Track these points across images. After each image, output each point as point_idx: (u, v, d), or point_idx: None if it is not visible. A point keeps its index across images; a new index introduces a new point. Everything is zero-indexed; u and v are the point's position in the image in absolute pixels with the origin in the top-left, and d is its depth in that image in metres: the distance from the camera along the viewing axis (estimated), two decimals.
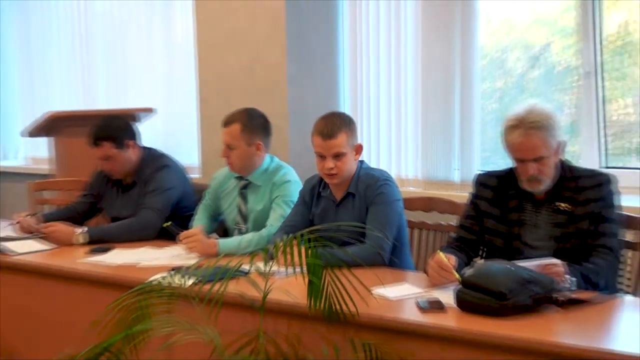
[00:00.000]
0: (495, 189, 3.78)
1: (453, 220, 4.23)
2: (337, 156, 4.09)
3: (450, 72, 5.50)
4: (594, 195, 3.58)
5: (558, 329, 3.05)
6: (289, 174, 4.66)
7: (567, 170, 3.67)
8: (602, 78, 5.19)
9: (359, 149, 4.22)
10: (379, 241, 4.00)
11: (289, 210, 4.43)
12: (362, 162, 4.28)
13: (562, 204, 3.62)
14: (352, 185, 4.19)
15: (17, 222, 4.96)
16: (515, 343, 2.96)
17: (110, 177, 5.07)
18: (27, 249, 4.58)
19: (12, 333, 4.43)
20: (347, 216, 4.15)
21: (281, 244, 3.20)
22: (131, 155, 4.93)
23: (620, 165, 5.18)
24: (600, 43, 5.17)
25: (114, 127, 4.94)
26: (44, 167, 6.95)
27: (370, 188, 4.15)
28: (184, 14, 6.57)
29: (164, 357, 3.48)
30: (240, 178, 4.70)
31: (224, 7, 5.93)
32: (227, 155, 4.60)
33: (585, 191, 3.60)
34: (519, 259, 3.42)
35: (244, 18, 5.80)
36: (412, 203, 4.51)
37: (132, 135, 4.98)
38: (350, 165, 4.16)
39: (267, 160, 4.68)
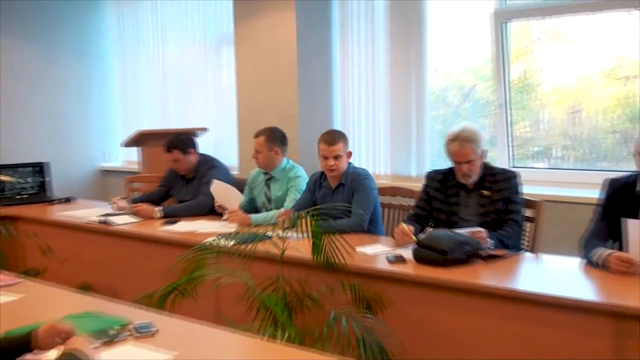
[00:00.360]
0: (440, 181, 3.79)
1: (411, 202, 4.21)
2: (336, 157, 4.14)
3: (409, 103, 5.47)
4: (506, 186, 3.61)
5: (482, 275, 3.06)
6: (299, 171, 4.66)
7: (487, 168, 3.70)
8: (510, 108, 5.20)
9: (349, 155, 4.25)
10: (361, 217, 4.03)
11: (299, 196, 4.43)
12: (350, 163, 4.29)
13: (485, 192, 3.64)
14: (343, 179, 4.21)
15: (114, 203, 4.96)
16: (454, 285, 2.99)
17: (178, 173, 5.06)
18: (123, 221, 4.57)
19: (114, 279, 4.42)
20: (339, 199, 4.17)
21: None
22: (192, 158, 4.96)
23: (522, 165, 5.16)
24: (508, 85, 5.17)
25: (180, 140, 4.97)
26: (134, 167, 6.91)
27: (355, 181, 4.17)
28: (229, 63, 6.51)
29: (213, 294, 3.47)
30: (265, 173, 4.67)
31: (255, 59, 5.90)
32: (256, 157, 4.65)
33: (499, 183, 3.63)
34: (455, 228, 3.46)
35: (269, 66, 5.78)
36: (384, 190, 4.49)
37: (192, 145, 5.00)
38: (344, 165, 4.20)
39: (284, 161, 4.67)
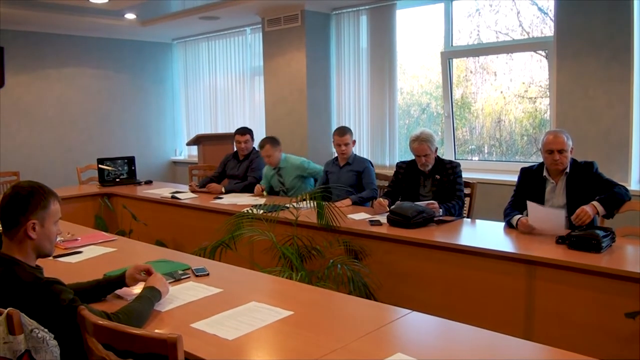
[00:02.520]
0: (405, 169, 3.71)
1: (386, 183, 4.15)
2: (346, 144, 4.09)
3: (384, 115, 5.40)
4: (452, 172, 3.54)
5: (435, 234, 2.98)
6: (290, 157, 4.50)
7: (439, 160, 3.62)
8: (454, 119, 5.15)
9: (354, 143, 4.18)
10: (375, 190, 4.05)
11: (305, 163, 4.44)
12: (355, 155, 4.20)
13: (438, 176, 3.56)
14: (350, 160, 4.14)
15: (190, 186, 4.85)
16: (415, 240, 2.95)
17: (231, 156, 4.91)
18: (186, 197, 4.49)
19: (179, 237, 4.36)
20: (345, 174, 4.11)
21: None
22: (251, 145, 4.81)
23: (462, 158, 5.13)
24: (453, 103, 5.12)
25: (252, 132, 4.86)
26: (194, 159, 6.87)
27: (360, 164, 4.13)
28: (260, 87, 6.47)
29: (248, 247, 3.42)
30: (274, 168, 4.49)
31: (277, 85, 5.83)
32: (269, 161, 4.45)
33: (448, 170, 3.56)
34: (417, 202, 3.38)
35: (287, 90, 5.72)
36: None
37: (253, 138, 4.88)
38: (351, 150, 4.14)
39: (283, 155, 4.48)
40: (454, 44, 5.06)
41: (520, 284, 2.51)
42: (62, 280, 1.75)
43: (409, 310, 1.84)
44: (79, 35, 6.71)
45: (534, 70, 4.81)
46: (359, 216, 3.45)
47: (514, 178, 3.37)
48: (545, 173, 3.14)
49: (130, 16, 6.14)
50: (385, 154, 5.45)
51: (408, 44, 5.51)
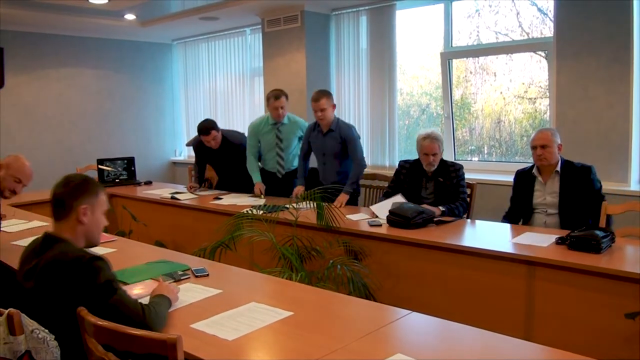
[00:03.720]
0: (408, 169, 3.63)
1: (386, 184, 4.13)
2: (323, 110, 3.86)
3: (384, 116, 5.40)
4: (455, 175, 3.50)
5: (434, 234, 2.98)
6: (295, 117, 4.44)
7: (442, 162, 3.56)
8: (453, 120, 5.15)
9: (333, 107, 3.94)
10: (361, 160, 3.96)
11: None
12: (338, 120, 4.01)
13: (440, 178, 3.52)
14: (333, 126, 3.95)
15: (190, 187, 4.77)
16: (414, 241, 2.95)
17: (204, 148, 4.63)
18: (185, 197, 4.49)
19: (179, 237, 4.38)
20: (329, 141, 3.97)
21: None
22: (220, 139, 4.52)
23: (462, 159, 5.13)
24: (452, 103, 5.11)
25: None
26: (194, 160, 6.84)
27: (344, 130, 3.94)
28: (259, 88, 6.50)
29: (248, 248, 3.42)
30: (274, 123, 4.30)
31: (277, 86, 5.69)
32: (283, 112, 4.25)
33: (451, 173, 3.51)
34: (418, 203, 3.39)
35: (286, 90, 5.60)
36: (366, 176, 4.39)
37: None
38: (330, 115, 3.90)
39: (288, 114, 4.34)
40: (453, 45, 5.06)
41: (520, 285, 2.51)
42: (108, 261, 1.76)
43: (409, 311, 1.84)
44: (78, 35, 6.71)
45: (534, 70, 4.81)
46: (358, 217, 3.45)
47: (510, 178, 3.39)
48: (534, 171, 3.19)
49: (129, 17, 6.14)
50: (385, 154, 5.45)
51: (408, 44, 5.51)
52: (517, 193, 3.28)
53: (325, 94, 3.92)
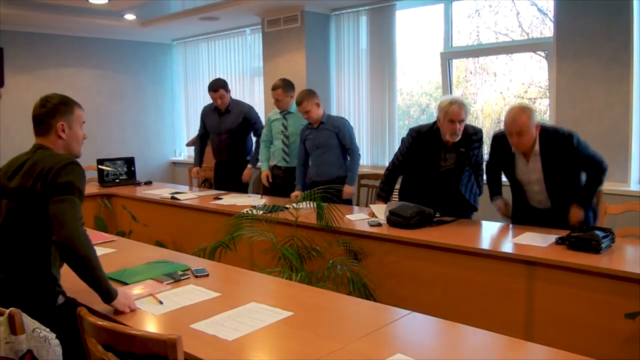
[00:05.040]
0: (422, 139, 3.32)
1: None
2: (306, 112, 3.97)
3: (384, 116, 5.40)
4: (478, 143, 3.30)
5: (433, 234, 2.97)
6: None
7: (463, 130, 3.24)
8: None
9: (317, 106, 3.99)
10: (356, 151, 4.02)
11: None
12: (329, 114, 4.13)
13: (462, 149, 3.25)
14: (324, 119, 4.02)
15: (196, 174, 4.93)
16: (414, 241, 2.94)
17: (215, 109, 4.77)
18: (185, 197, 4.48)
19: (179, 238, 4.37)
20: (322, 133, 4.02)
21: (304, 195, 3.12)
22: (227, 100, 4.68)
23: None
24: None
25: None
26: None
27: (336, 120, 4.06)
28: (259, 89, 6.51)
29: (248, 248, 3.43)
30: (281, 112, 4.42)
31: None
32: (278, 104, 4.41)
33: (474, 142, 3.28)
34: (436, 175, 3.31)
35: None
36: (366, 176, 4.43)
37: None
38: (315, 113, 3.97)
39: (293, 103, 4.34)
40: (453, 45, 5.06)
41: (520, 285, 2.51)
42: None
43: (409, 311, 1.84)
44: (78, 35, 6.72)
45: (534, 71, 4.81)
46: (357, 217, 3.45)
47: None
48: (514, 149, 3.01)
49: (129, 17, 6.14)
50: (385, 154, 5.45)
51: (408, 44, 5.52)
52: (494, 161, 3.14)
53: (305, 96, 3.98)
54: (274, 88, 4.36)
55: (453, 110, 3.12)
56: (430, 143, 3.29)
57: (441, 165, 3.30)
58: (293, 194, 4.08)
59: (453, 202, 3.37)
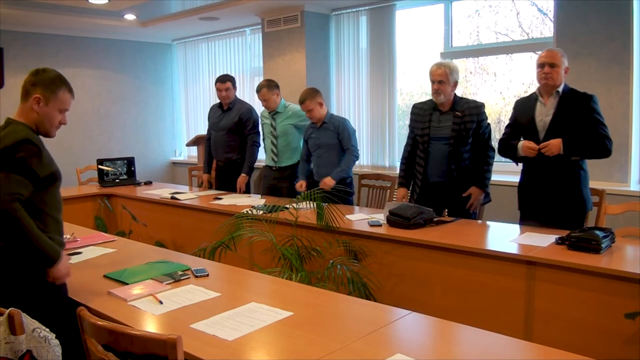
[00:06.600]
0: (420, 109, 3.49)
1: (388, 184, 4.19)
2: (309, 111, 3.99)
3: (384, 116, 5.41)
4: (476, 111, 3.34)
5: (434, 234, 2.96)
6: (293, 105, 4.42)
7: (458, 97, 3.40)
8: None
9: (320, 105, 4.01)
10: (353, 149, 4.01)
11: (304, 115, 4.14)
12: (332, 114, 4.14)
13: (458, 112, 3.32)
14: (326, 119, 4.04)
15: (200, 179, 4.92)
16: (414, 241, 2.93)
17: (219, 106, 4.76)
18: (185, 197, 4.48)
19: (179, 238, 4.37)
20: (324, 132, 4.04)
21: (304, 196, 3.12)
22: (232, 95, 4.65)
23: None
24: None
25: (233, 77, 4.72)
26: (194, 160, 6.92)
27: (336, 122, 4.04)
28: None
29: (248, 248, 3.42)
30: (271, 112, 4.43)
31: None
32: (266, 105, 4.41)
33: (471, 108, 3.34)
34: (431, 144, 3.37)
35: (286, 91, 5.68)
36: (367, 176, 4.42)
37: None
38: (318, 112, 4.01)
39: (282, 102, 4.43)
40: (453, 45, 5.07)
41: (520, 285, 2.51)
42: (39, 153, 1.91)
43: (409, 311, 1.84)
44: (78, 36, 6.72)
45: (534, 71, 4.81)
46: (357, 216, 3.45)
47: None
48: (536, 92, 3.07)
49: (130, 17, 6.14)
50: (384, 154, 5.45)
51: (408, 44, 5.51)
52: (516, 117, 3.17)
53: (308, 95, 4.01)
54: (258, 90, 4.37)
55: (431, 70, 3.33)
56: (426, 110, 3.46)
57: (436, 128, 3.39)
58: (298, 184, 4.15)
59: (455, 173, 3.39)
